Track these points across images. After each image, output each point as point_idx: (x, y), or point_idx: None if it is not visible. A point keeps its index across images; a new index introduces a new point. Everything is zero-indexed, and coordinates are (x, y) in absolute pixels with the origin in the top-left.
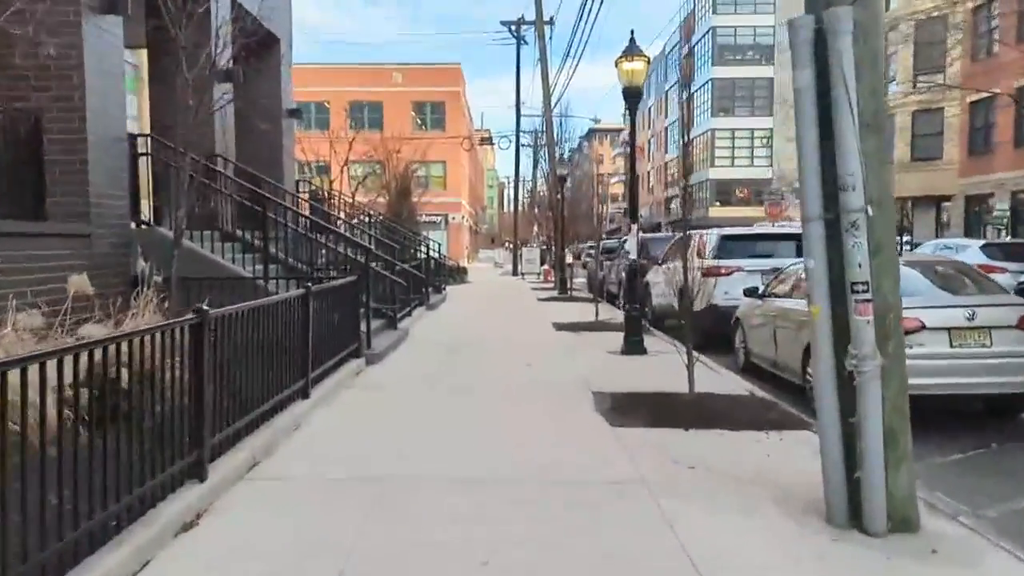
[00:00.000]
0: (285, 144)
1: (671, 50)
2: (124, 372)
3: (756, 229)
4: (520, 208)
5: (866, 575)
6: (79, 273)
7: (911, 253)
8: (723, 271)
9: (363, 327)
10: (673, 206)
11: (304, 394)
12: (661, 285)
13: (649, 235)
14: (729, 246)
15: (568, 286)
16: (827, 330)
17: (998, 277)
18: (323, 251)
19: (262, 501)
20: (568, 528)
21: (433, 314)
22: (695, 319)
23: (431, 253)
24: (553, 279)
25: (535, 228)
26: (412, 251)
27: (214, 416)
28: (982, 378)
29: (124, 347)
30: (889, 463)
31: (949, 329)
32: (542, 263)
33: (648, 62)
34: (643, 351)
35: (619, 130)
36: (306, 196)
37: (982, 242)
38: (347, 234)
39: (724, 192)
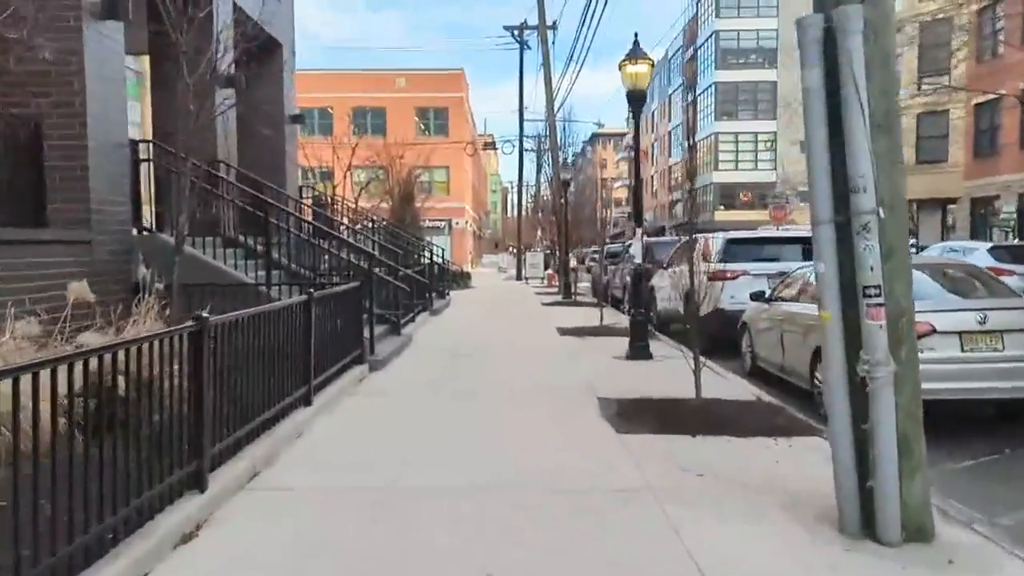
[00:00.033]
0: (288, 149)
1: (674, 54)
2: (122, 381)
3: (761, 233)
4: (524, 213)
5: None
6: (79, 280)
7: (919, 256)
8: (729, 275)
9: (366, 333)
10: (677, 210)
11: (306, 401)
12: (666, 289)
13: (653, 239)
14: (735, 250)
15: (572, 291)
16: (838, 335)
17: (1007, 280)
18: (326, 257)
19: (263, 511)
20: (573, 537)
21: (437, 319)
22: (701, 323)
23: (434, 258)
24: (557, 284)
25: (539, 233)
26: (416, 256)
27: (214, 425)
28: (994, 383)
29: (122, 355)
30: (903, 471)
31: (960, 333)
32: (546, 268)
33: (652, 65)
34: (648, 356)
35: (622, 134)
36: (309, 202)
37: (989, 245)
38: (350, 240)
39: (728, 196)
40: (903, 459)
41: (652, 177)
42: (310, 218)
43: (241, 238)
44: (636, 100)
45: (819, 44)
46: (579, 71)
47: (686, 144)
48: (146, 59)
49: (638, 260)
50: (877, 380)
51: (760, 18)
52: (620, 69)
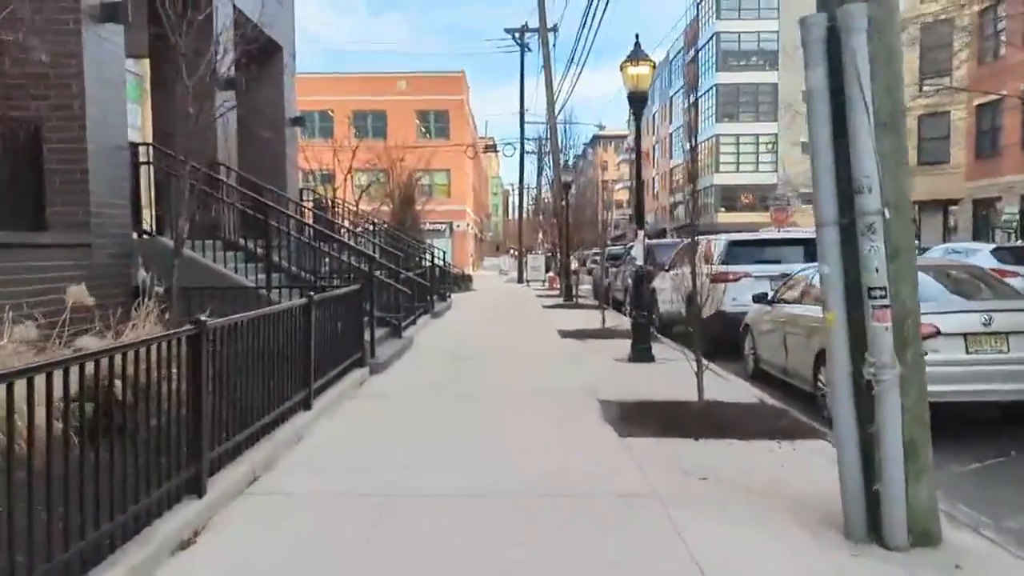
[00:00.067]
0: (288, 152)
1: (675, 56)
2: (120, 385)
3: (763, 234)
4: (525, 215)
5: None
6: (78, 284)
7: (921, 258)
8: (731, 277)
9: (367, 336)
10: (678, 212)
11: (306, 405)
12: (668, 291)
13: (654, 241)
14: (736, 252)
15: (573, 293)
16: (843, 337)
17: (1011, 281)
18: (327, 260)
19: (262, 516)
20: (575, 540)
21: (438, 322)
22: (703, 326)
23: (435, 261)
24: (558, 286)
25: (540, 235)
26: (416, 259)
27: (213, 429)
28: (999, 385)
29: (119, 359)
30: (909, 474)
31: (965, 335)
32: (547, 270)
33: (653, 66)
34: (651, 358)
35: (623, 137)
36: (310, 205)
37: (992, 246)
38: (351, 242)
39: (729, 198)
40: (909, 462)
41: (653, 179)
42: (311, 221)
43: (241, 241)
44: (637, 101)
45: (823, 43)
46: (580, 73)
47: (687, 146)
48: (146, 62)
49: (640, 262)
50: (883, 383)
51: (761, 20)
52: (621, 70)
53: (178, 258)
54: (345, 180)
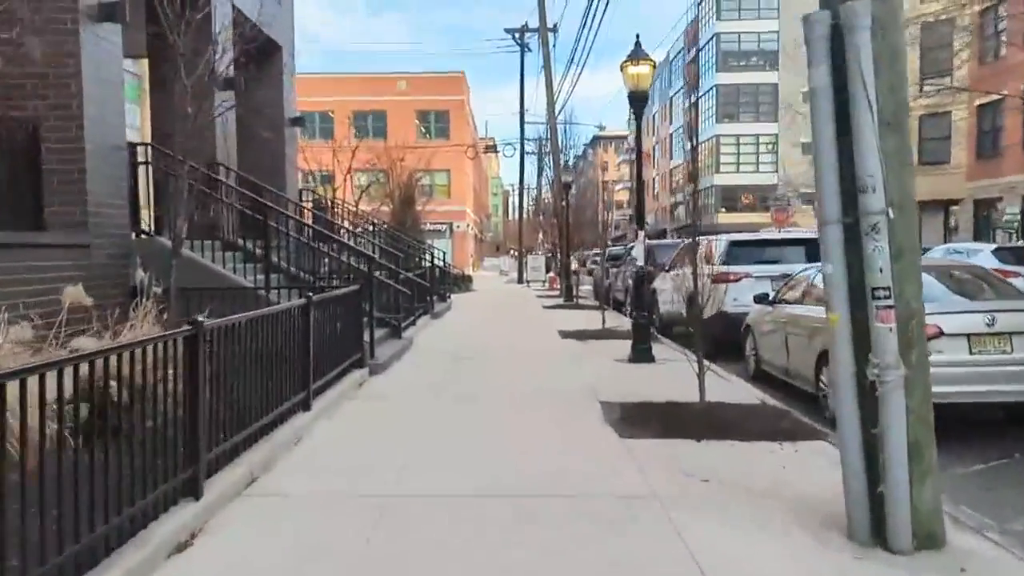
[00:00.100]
0: (288, 153)
1: (675, 56)
2: (115, 386)
3: (764, 235)
4: (525, 216)
5: None
6: (75, 284)
7: (923, 258)
8: (732, 277)
9: (366, 337)
10: (678, 212)
11: (305, 406)
12: (668, 292)
13: (654, 242)
14: (737, 252)
15: (574, 294)
16: (846, 337)
17: (1013, 281)
18: (326, 260)
19: (260, 518)
20: (576, 542)
21: (438, 323)
22: (704, 326)
23: (435, 261)
24: (558, 287)
25: (540, 236)
26: (416, 259)
27: (210, 431)
28: (1003, 386)
29: (114, 360)
30: (914, 476)
31: (968, 335)
32: (547, 271)
33: (654, 66)
34: (651, 359)
35: (623, 137)
36: (309, 205)
37: (994, 246)
38: (350, 243)
39: (729, 198)
40: (914, 464)
41: (653, 180)
42: (310, 221)
43: (240, 241)
44: (638, 101)
45: (826, 41)
46: (580, 73)
47: (688, 146)
48: (145, 62)
49: (640, 262)
50: (887, 384)
51: (761, 20)
52: (622, 70)
53: (176, 258)
54: (345, 180)
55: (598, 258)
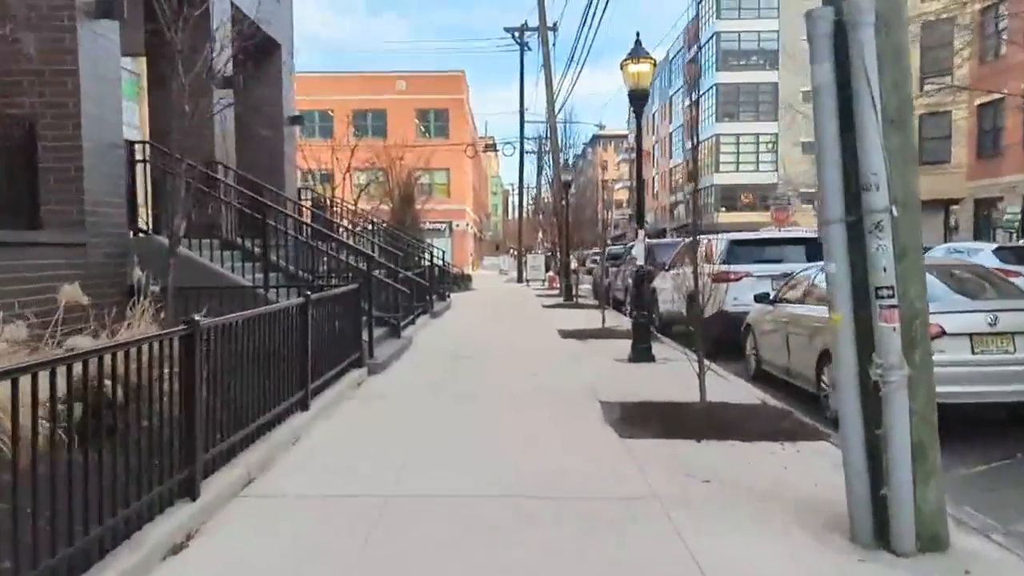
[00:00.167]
0: (287, 151)
1: (675, 55)
2: (110, 385)
3: (764, 234)
4: (524, 215)
5: None
6: (71, 283)
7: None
8: (732, 276)
9: (365, 336)
10: (678, 212)
11: (303, 406)
12: (668, 291)
13: (654, 241)
14: (738, 251)
15: (573, 293)
16: (849, 337)
17: (1016, 281)
18: (325, 259)
19: (257, 519)
20: (576, 544)
21: (437, 322)
22: (704, 326)
23: (435, 260)
24: (558, 286)
25: (539, 235)
26: (416, 258)
27: (207, 431)
28: (1006, 386)
29: (108, 359)
30: (917, 477)
31: (971, 335)
32: (547, 270)
33: (654, 64)
34: (651, 358)
35: (623, 136)
36: (308, 204)
37: (994, 245)
38: (349, 242)
39: (729, 197)
40: (917, 465)
41: (653, 179)
42: (309, 220)
43: (239, 240)
44: (638, 99)
45: (829, 38)
46: (580, 72)
47: (688, 144)
48: (144, 60)
49: (640, 262)
50: (891, 384)
51: (761, 19)
52: (622, 68)
53: (173, 257)
54: (344, 179)
55: (598, 257)
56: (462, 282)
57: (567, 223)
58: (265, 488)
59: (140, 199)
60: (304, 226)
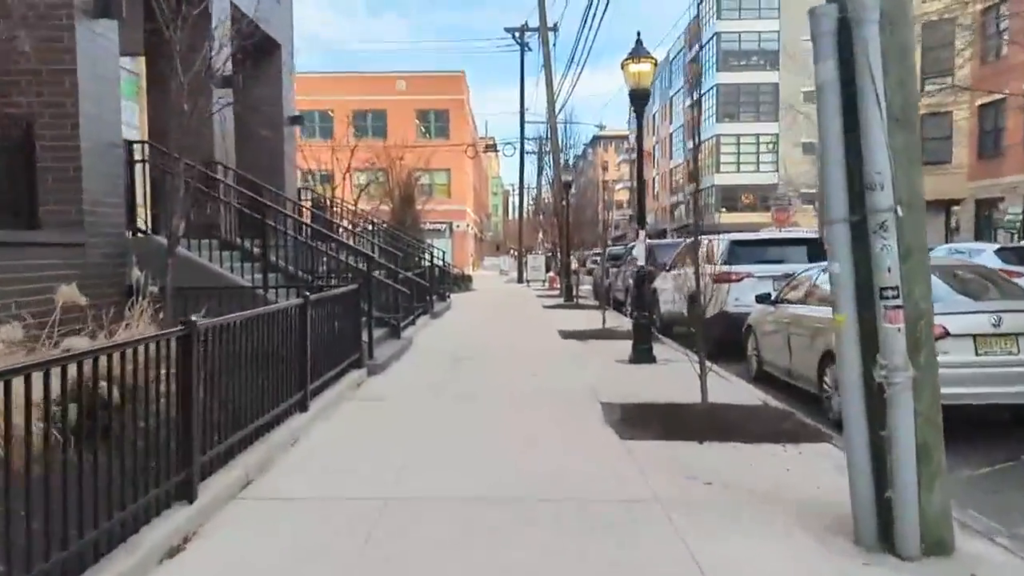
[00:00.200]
0: (287, 151)
1: (675, 56)
2: (106, 387)
3: (765, 234)
4: (525, 215)
5: None
6: (69, 283)
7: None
8: (733, 277)
9: (365, 337)
10: (678, 212)
11: (302, 407)
12: (669, 291)
13: (655, 241)
14: (739, 252)
15: (574, 293)
16: (853, 337)
17: (1019, 282)
18: (325, 259)
19: (255, 521)
20: (577, 546)
21: (437, 322)
22: (705, 326)
23: (435, 261)
24: (558, 286)
25: (540, 235)
26: (416, 259)
27: (204, 433)
28: (1009, 387)
29: (104, 360)
30: (922, 480)
31: (974, 336)
32: (547, 270)
33: (655, 64)
34: (652, 359)
35: (624, 137)
36: (308, 204)
37: (996, 246)
38: (349, 242)
39: (730, 198)
40: (922, 467)
41: (654, 179)
42: (309, 220)
43: (238, 240)
44: (639, 99)
45: (833, 36)
46: (580, 73)
47: (690, 144)
48: (144, 60)
49: (641, 262)
50: (895, 386)
51: (761, 20)
52: (623, 68)
53: (172, 257)
54: (344, 179)
55: (598, 258)
56: (462, 283)
57: (567, 223)
58: (263, 490)
59: (139, 199)
60: (304, 226)
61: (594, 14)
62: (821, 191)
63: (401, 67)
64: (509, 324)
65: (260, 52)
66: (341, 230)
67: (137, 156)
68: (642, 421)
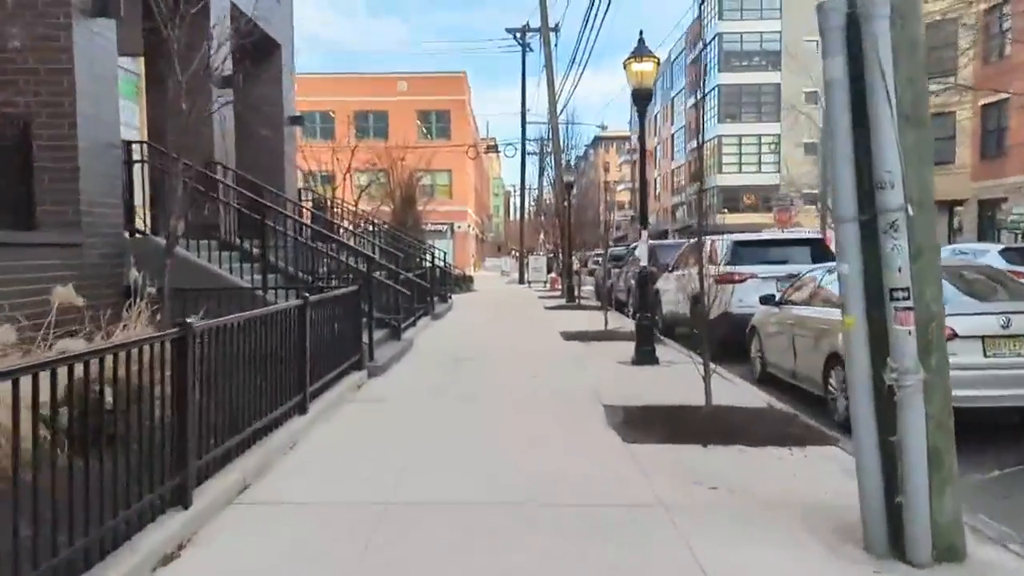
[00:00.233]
0: (287, 151)
1: (676, 57)
2: (98, 390)
3: (768, 235)
4: (526, 216)
5: None
6: (65, 284)
7: None
8: (737, 278)
9: (365, 338)
10: (680, 213)
11: (302, 409)
12: (672, 292)
13: (657, 242)
14: (742, 252)
15: (575, 294)
16: (863, 339)
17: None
18: (325, 260)
19: (252, 526)
20: (577, 548)
21: (438, 324)
22: (709, 328)
23: (436, 262)
24: (560, 287)
25: (541, 236)
26: (417, 260)
27: (200, 436)
28: (1019, 389)
29: (97, 363)
30: (933, 485)
31: (983, 337)
32: (549, 271)
33: (657, 63)
34: (655, 361)
35: (625, 138)
36: (308, 204)
37: (1001, 247)
38: (350, 243)
39: (731, 199)
40: (933, 472)
41: (655, 180)
42: (309, 221)
43: (238, 241)
44: (641, 99)
45: (842, 31)
46: (581, 73)
47: (694, 144)
48: (143, 60)
49: (644, 263)
50: (906, 388)
51: (763, 20)
52: (625, 67)
53: (170, 257)
54: (345, 180)
55: (600, 258)
56: (463, 283)
57: (569, 224)
58: (261, 494)
59: (137, 199)
60: (304, 227)
61: (595, 14)
62: (825, 191)
63: (402, 68)
64: (511, 325)
65: (260, 52)
66: (342, 231)
67: (136, 156)
68: (645, 424)
